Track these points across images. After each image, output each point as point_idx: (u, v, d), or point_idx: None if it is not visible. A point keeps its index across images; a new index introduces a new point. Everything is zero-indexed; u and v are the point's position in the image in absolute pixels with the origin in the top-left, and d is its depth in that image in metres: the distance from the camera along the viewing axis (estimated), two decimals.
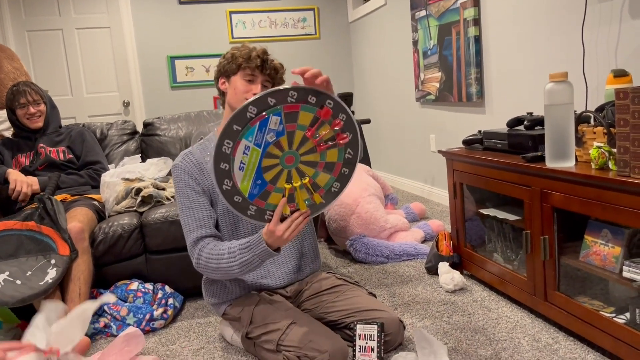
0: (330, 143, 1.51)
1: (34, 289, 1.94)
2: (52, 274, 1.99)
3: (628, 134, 1.46)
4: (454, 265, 2.45)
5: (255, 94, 1.64)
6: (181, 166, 1.81)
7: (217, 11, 5.33)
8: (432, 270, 2.50)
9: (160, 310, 2.18)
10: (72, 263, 2.07)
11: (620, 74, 1.88)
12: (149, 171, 2.77)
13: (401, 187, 4.78)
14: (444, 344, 1.73)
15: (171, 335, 2.10)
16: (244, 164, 1.47)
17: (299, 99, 1.43)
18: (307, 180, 1.53)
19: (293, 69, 1.46)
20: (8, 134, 2.82)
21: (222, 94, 1.87)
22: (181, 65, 5.29)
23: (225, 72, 1.83)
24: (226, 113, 1.87)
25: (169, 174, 2.97)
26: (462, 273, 2.45)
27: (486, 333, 1.89)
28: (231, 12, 5.35)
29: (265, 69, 1.80)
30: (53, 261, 2.03)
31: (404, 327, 1.87)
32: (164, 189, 2.56)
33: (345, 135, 1.52)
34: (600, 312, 1.66)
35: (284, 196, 1.53)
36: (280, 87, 1.43)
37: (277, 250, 1.62)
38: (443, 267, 2.37)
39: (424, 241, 3.07)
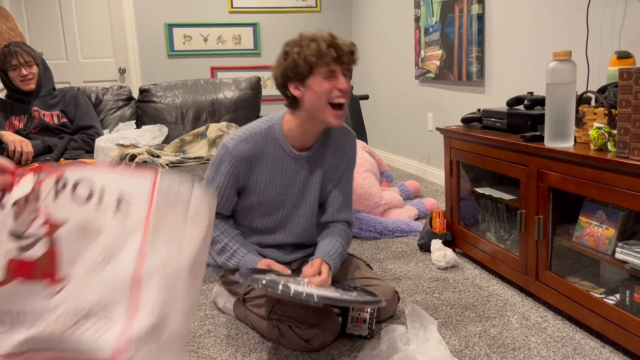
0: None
1: None
2: None
3: (629, 115, 1.45)
4: (446, 243, 2.45)
5: (343, 100, 1.64)
6: (231, 152, 1.70)
7: None
8: (425, 247, 2.51)
9: None
10: None
11: (623, 55, 1.86)
12: (144, 138, 2.74)
13: (397, 164, 4.78)
14: (435, 319, 1.74)
15: None
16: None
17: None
18: None
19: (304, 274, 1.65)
20: (1, 95, 2.77)
21: (294, 98, 1.66)
22: (179, 34, 5.21)
23: (295, 76, 1.62)
24: (302, 117, 1.69)
25: (165, 141, 2.95)
26: (454, 251, 2.46)
27: (476, 310, 1.91)
28: None
29: (342, 59, 1.60)
30: None
31: (399, 299, 1.88)
32: (158, 157, 2.54)
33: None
34: (591, 292, 1.67)
35: None
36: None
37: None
38: (436, 244, 2.37)
39: (417, 219, 3.07)
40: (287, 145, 1.74)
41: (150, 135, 2.80)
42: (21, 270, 0.83)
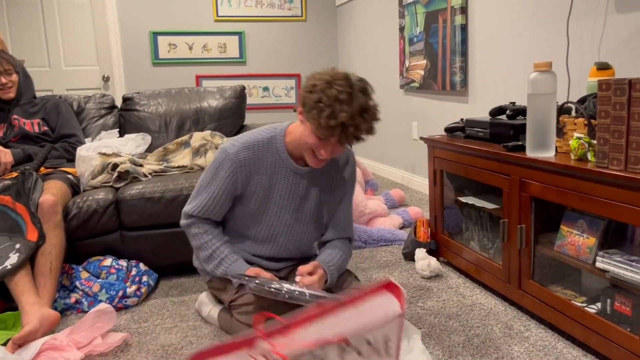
0: None
1: None
2: (12, 259, 1.91)
3: (608, 126, 1.47)
4: (430, 252, 2.46)
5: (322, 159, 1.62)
6: (232, 158, 1.69)
7: None
8: (409, 256, 2.51)
9: (134, 287, 2.15)
10: (37, 250, 2.00)
11: (603, 66, 1.89)
12: (127, 146, 2.72)
13: (382, 173, 4.79)
14: (418, 329, 1.74)
15: (144, 313, 2.08)
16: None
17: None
18: None
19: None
20: None
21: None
22: (164, 42, 5.19)
23: (303, 109, 1.58)
24: (296, 135, 1.69)
25: (148, 149, 2.92)
26: (438, 260, 2.46)
27: (460, 319, 1.91)
28: None
29: (341, 142, 1.55)
30: (18, 246, 1.94)
31: None
32: (141, 165, 2.51)
33: None
34: (572, 301, 1.68)
35: None
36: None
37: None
38: (420, 253, 2.37)
39: (402, 227, 3.07)
40: (287, 158, 1.73)
41: (133, 144, 2.77)
42: None
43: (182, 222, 1.82)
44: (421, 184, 4.00)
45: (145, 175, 2.46)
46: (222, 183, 1.71)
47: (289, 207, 1.78)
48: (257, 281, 1.47)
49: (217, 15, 5.27)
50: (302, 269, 1.69)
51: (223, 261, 1.75)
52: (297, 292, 1.44)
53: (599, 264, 1.55)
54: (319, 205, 1.82)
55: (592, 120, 1.63)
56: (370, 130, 1.56)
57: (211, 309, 1.94)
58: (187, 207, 1.80)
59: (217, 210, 1.77)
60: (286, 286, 1.46)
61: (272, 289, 1.43)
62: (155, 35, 5.15)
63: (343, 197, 1.88)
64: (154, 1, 5.12)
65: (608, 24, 2.17)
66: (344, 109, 1.49)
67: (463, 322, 1.88)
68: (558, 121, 1.76)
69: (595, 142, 1.55)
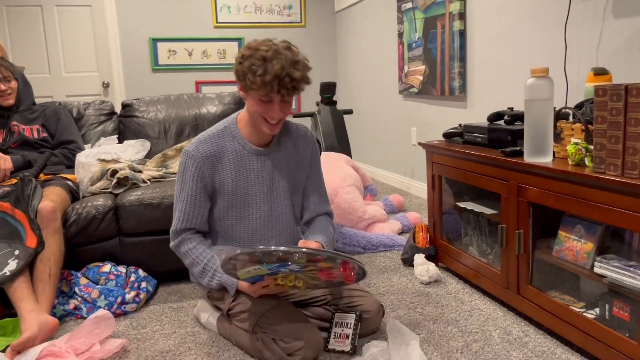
0: (335, 280, 1.66)
1: None
2: (12, 265, 1.91)
3: (605, 131, 1.47)
4: (429, 258, 2.46)
5: (275, 122, 1.67)
6: (193, 155, 1.74)
7: None
8: (408, 262, 2.51)
9: (133, 293, 2.15)
10: (36, 257, 2.00)
11: (600, 72, 1.90)
12: (126, 153, 2.72)
13: (381, 179, 4.79)
14: (417, 335, 1.73)
15: (142, 319, 2.08)
16: (249, 272, 1.57)
17: (324, 256, 1.46)
18: (301, 284, 1.65)
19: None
20: None
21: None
22: (163, 48, 5.21)
23: (240, 81, 1.66)
24: (245, 116, 1.76)
25: (147, 155, 2.93)
26: (437, 265, 2.46)
27: (458, 325, 1.90)
28: None
29: (281, 92, 1.60)
30: (17, 252, 1.95)
31: (384, 313, 1.88)
32: (140, 172, 2.52)
33: (352, 276, 1.63)
34: (571, 307, 1.68)
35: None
36: (310, 252, 1.44)
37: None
38: (419, 258, 2.37)
39: (401, 233, 3.07)
40: (245, 142, 1.78)
41: (133, 150, 2.78)
42: None
43: (172, 244, 1.82)
44: (420, 189, 4.00)
45: (144, 181, 2.47)
46: (192, 182, 1.75)
47: (261, 191, 1.80)
48: (238, 252, 1.43)
49: (217, 22, 5.29)
50: (304, 243, 1.70)
51: (216, 272, 1.75)
52: (292, 250, 1.42)
53: (597, 270, 1.55)
54: (289, 185, 1.86)
55: (590, 126, 1.64)
56: (305, 79, 1.62)
57: (209, 316, 1.94)
58: (174, 226, 1.81)
59: (198, 213, 1.78)
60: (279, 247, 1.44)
61: (265, 251, 1.40)
62: (154, 41, 5.17)
63: (310, 173, 1.92)
64: (154, 7, 5.14)
65: (605, 30, 2.18)
66: (274, 63, 1.56)
67: (462, 327, 1.88)
68: (555, 127, 1.77)
69: (592, 147, 1.56)
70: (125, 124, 3.09)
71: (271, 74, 1.55)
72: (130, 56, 5.15)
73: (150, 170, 2.60)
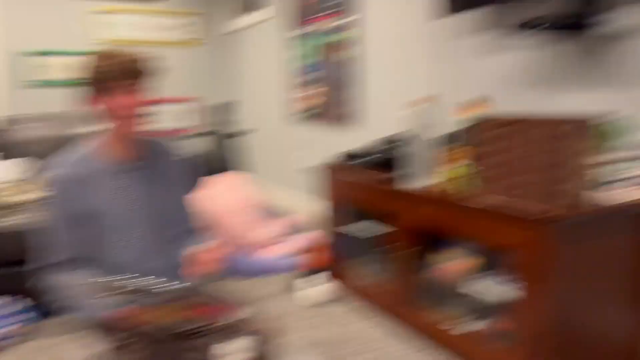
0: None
1: None
2: None
3: (483, 158, 1.61)
4: (325, 278, 2.50)
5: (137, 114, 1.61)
6: (54, 180, 1.62)
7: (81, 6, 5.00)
8: (303, 283, 2.54)
9: (6, 328, 1.96)
10: None
11: (476, 102, 2.07)
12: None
13: (279, 199, 4.81)
14: (316, 357, 1.75)
15: (17, 356, 1.90)
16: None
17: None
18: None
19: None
20: None
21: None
22: (38, 62, 4.88)
23: (97, 91, 1.60)
24: (103, 132, 1.66)
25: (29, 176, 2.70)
26: (332, 285, 2.51)
27: (356, 343, 1.95)
28: (101, 11, 5.04)
29: (131, 83, 1.60)
30: None
31: (273, 339, 1.87)
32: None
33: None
34: (452, 323, 1.79)
35: None
36: None
37: None
38: (314, 279, 2.41)
39: (297, 254, 3.09)
40: (103, 158, 1.68)
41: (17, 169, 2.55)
42: None
43: (47, 280, 1.63)
44: (317, 209, 4.07)
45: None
46: (59, 208, 1.62)
47: (135, 210, 1.71)
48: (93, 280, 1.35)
49: (103, 37, 5.05)
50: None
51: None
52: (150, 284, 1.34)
53: (473, 288, 1.68)
54: (165, 199, 1.79)
55: (470, 151, 1.77)
56: (143, 60, 1.62)
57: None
58: (55, 259, 1.63)
59: (74, 238, 1.64)
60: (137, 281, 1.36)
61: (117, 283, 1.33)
62: (28, 55, 4.83)
63: (177, 183, 1.83)
64: (28, 20, 4.81)
65: (487, 62, 2.40)
66: (106, 57, 1.58)
67: (357, 346, 1.93)
68: (438, 152, 1.89)
69: (473, 171, 1.69)
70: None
71: (108, 65, 1.56)
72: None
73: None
